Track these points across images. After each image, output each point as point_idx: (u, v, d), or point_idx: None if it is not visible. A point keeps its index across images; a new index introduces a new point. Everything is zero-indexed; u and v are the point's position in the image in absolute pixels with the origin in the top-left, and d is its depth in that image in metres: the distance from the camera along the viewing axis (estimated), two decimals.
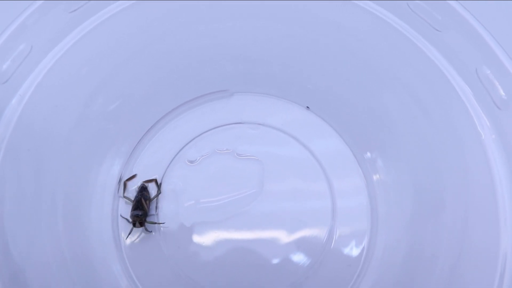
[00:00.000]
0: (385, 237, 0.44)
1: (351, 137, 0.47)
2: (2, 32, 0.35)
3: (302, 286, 0.44)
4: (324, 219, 0.46)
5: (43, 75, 0.39)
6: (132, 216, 0.45)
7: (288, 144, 0.48)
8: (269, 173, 0.47)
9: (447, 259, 0.38)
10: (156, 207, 0.47)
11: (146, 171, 0.48)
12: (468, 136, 0.35)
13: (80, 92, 0.42)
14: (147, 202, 0.46)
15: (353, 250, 0.45)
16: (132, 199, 0.46)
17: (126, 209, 0.47)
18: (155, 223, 0.46)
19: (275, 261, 0.45)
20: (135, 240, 0.46)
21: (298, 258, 0.45)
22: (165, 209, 0.47)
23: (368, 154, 0.46)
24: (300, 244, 0.45)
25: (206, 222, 0.46)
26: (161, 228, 0.46)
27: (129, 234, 0.45)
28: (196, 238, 0.46)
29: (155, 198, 0.47)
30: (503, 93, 0.33)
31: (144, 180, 0.47)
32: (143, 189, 0.46)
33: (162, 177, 0.48)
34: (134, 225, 0.45)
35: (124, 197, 0.47)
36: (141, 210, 0.45)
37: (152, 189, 0.47)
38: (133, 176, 0.47)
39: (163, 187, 0.47)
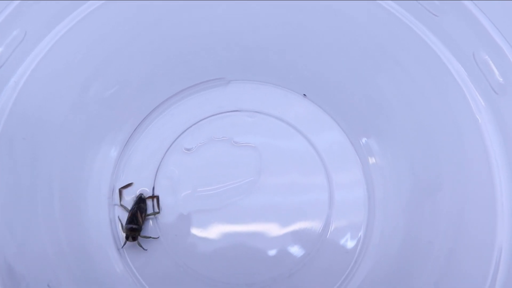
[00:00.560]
0: (382, 223, 0.44)
1: (348, 124, 0.47)
2: None
3: (299, 273, 0.45)
4: (320, 205, 0.46)
5: (38, 61, 0.38)
6: (126, 229, 0.44)
7: (285, 132, 0.48)
8: (266, 160, 0.47)
9: (443, 246, 0.38)
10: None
11: (142, 159, 0.47)
12: (465, 121, 0.35)
13: (76, 79, 0.41)
14: (143, 215, 0.45)
15: (350, 237, 0.45)
16: (129, 208, 0.45)
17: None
18: (149, 237, 0.45)
19: (272, 248, 0.45)
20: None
21: (295, 245, 0.45)
22: (162, 198, 0.46)
23: (365, 139, 0.46)
24: (297, 231, 0.45)
25: (203, 210, 0.46)
26: (158, 217, 0.46)
27: (123, 245, 0.44)
28: (193, 226, 0.46)
29: (153, 216, 0.46)
30: (501, 78, 0.33)
31: (143, 193, 0.46)
32: (140, 201, 0.45)
33: (159, 165, 0.47)
34: (127, 238, 0.44)
35: (121, 205, 0.46)
36: (136, 224, 0.44)
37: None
38: (129, 185, 0.46)
39: (159, 177, 0.47)
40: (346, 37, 0.42)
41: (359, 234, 0.45)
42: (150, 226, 0.46)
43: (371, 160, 0.46)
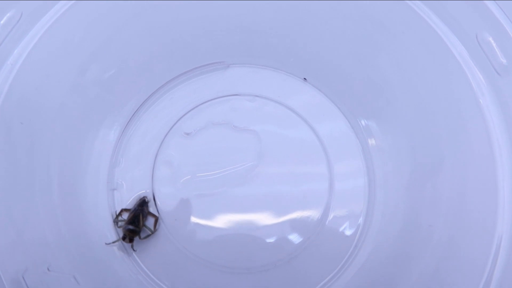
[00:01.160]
0: (382, 206, 0.44)
1: (348, 107, 0.47)
2: None
3: (299, 257, 0.45)
4: (320, 189, 0.46)
5: (34, 43, 0.38)
6: (125, 229, 0.43)
7: (285, 116, 0.47)
8: (265, 144, 0.46)
9: (444, 229, 0.38)
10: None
11: (141, 143, 0.47)
12: (467, 102, 0.34)
13: (73, 61, 0.41)
14: (144, 220, 0.44)
15: (350, 221, 0.45)
16: (130, 208, 0.45)
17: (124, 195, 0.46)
18: (147, 236, 0.44)
19: (272, 233, 0.45)
20: None
21: (295, 230, 0.45)
22: (161, 182, 0.46)
23: (365, 122, 0.46)
24: (297, 216, 0.45)
25: (202, 195, 0.46)
26: (158, 203, 0.46)
27: (112, 242, 0.44)
28: (193, 211, 0.46)
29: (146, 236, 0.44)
30: (504, 59, 0.33)
31: (147, 197, 0.45)
32: (143, 203, 0.45)
33: (158, 149, 0.47)
34: (123, 238, 0.43)
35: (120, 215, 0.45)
36: (136, 226, 0.43)
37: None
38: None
39: (158, 162, 0.47)
40: (347, 20, 0.42)
41: (359, 219, 0.45)
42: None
43: (371, 142, 0.46)
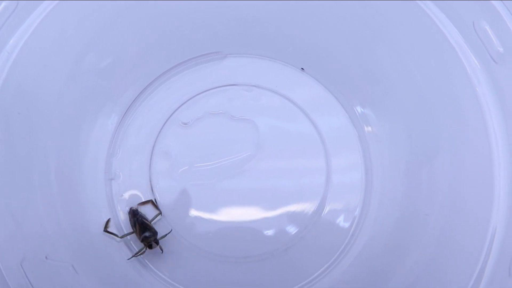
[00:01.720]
0: (379, 194, 0.44)
1: (345, 96, 0.47)
2: None
3: (296, 247, 0.45)
4: (318, 177, 0.46)
5: (31, 32, 0.38)
6: (144, 239, 0.42)
7: (282, 106, 0.47)
8: (263, 134, 0.47)
9: (440, 219, 0.38)
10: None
11: (139, 133, 0.47)
12: (463, 90, 0.34)
13: (70, 49, 0.41)
14: (148, 221, 0.44)
15: (347, 210, 0.45)
16: (132, 229, 0.44)
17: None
18: (166, 235, 0.44)
19: (269, 222, 0.45)
20: (129, 204, 0.46)
21: (292, 219, 0.45)
22: (159, 172, 0.46)
23: (362, 110, 0.46)
24: (294, 205, 0.45)
25: (199, 185, 0.46)
26: (156, 193, 0.46)
27: (135, 255, 0.43)
28: (190, 200, 0.46)
29: (156, 218, 0.45)
30: (500, 48, 0.33)
31: (132, 206, 0.45)
32: (135, 213, 0.44)
33: (156, 138, 0.47)
34: (150, 247, 0.42)
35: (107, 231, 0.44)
36: (149, 231, 0.43)
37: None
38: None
39: (156, 151, 0.47)
40: (344, 9, 0.41)
41: (356, 209, 0.45)
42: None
43: (368, 130, 0.46)
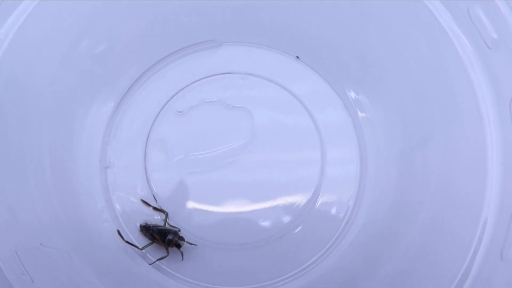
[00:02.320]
0: (373, 183, 0.44)
1: (341, 84, 0.47)
2: None
3: (291, 234, 0.45)
4: (313, 166, 0.46)
5: (24, 18, 0.37)
6: (170, 243, 0.42)
7: (278, 94, 0.47)
8: (258, 123, 0.47)
9: (432, 206, 0.39)
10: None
11: (133, 121, 0.47)
12: (457, 76, 0.34)
13: (64, 35, 0.40)
14: (163, 226, 0.44)
15: (342, 197, 0.45)
16: (150, 240, 0.44)
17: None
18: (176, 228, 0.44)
19: (265, 210, 0.45)
20: (124, 193, 0.46)
21: (287, 207, 0.45)
22: (154, 160, 0.46)
23: (357, 97, 0.46)
24: (289, 193, 0.45)
25: (195, 172, 0.46)
26: (151, 181, 0.46)
27: (160, 259, 0.43)
28: (186, 188, 0.46)
29: (166, 219, 0.44)
30: (494, 34, 0.33)
31: (141, 223, 0.45)
32: (147, 227, 0.44)
33: (151, 126, 0.47)
34: (179, 246, 0.42)
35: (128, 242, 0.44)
36: (170, 233, 0.43)
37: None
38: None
39: (151, 140, 0.47)
40: None
41: (350, 197, 0.45)
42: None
43: (362, 116, 0.46)
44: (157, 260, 0.43)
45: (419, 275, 0.36)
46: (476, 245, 0.34)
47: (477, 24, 0.33)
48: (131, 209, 0.45)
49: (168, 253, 0.43)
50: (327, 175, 0.46)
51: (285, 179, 0.46)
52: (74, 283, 0.39)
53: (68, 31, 0.41)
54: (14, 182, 0.40)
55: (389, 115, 0.43)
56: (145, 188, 0.46)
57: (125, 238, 0.44)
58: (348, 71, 0.46)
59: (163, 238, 0.43)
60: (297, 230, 0.45)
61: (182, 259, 0.43)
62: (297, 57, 0.48)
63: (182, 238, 0.43)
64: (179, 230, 0.44)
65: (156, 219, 0.45)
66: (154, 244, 0.44)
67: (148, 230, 0.44)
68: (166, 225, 0.44)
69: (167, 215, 0.45)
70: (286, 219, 0.45)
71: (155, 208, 0.45)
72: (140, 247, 0.43)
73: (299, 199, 0.45)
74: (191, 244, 0.43)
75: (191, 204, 0.46)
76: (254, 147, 0.46)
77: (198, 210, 0.45)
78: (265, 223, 0.45)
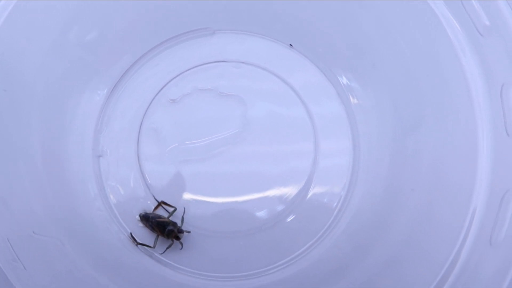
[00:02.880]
0: (366, 172, 0.44)
1: (334, 72, 0.47)
2: None
3: (283, 222, 0.45)
4: (306, 154, 0.46)
5: (13, 5, 0.37)
6: (170, 234, 0.43)
7: (271, 82, 0.47)
8: (251, 110, 0.46)
9: (423, 193, 0.39)
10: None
11: (126, 110, 0.47)
12: (449, 62, 0.34)
13: (54, 22, 0.40)
14: (164, 218, 0.44)
15: (334, 185, 0.45)
16: (151, 230, 0.44)
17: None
18: (183, 219, 0.44)
19: (258, 198, 0.45)
20: (117, 181, 0.46)
21: (280, 195, 0.45)
22: (147, 148, 0.46)
23: (348, 82, 0.46)
24: (283, 181, 0.45)
25: (188, 161, 0.46)
26: (144, 170, 0.46)
27: (167, 248, 0.43)
28: (179, 177, 0.46)
29: (172, 213, 0.44)
30: (487, 21, 0.33)
31: (141, 212, 0.45)
32: (147, 217, 0.44)
33: (144, 115, 0.47)
34: (178, 238, 0.43)
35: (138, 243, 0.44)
36: (169, 225, 0.43)
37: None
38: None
39: (144, 129, 0.46)
40: None
41: (343, 185, 0.45)
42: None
43: (354, 102, 0.46)
44: (166, 249, 0.43)
45: (409, 261, 0.37)
46: (465, 231, 0.34)
47: (469, 11, 0.33)
48: (125, 197, 0.46)
49: (172, 242, 0.43)
50: (319, 164, 0.46)
51: (277, 167, 0.46)
52: (67, 271, 0.39)
53: (58, 18, 0.40)
54: (5, 171, 0.40)
55: (381, 101, 0.43)
56: (138, 176, 0.46)
57: (134, 238, 0.44)
58: (341, 58, 0.46)
59: (162, 229, 0.43)
60: (290, 219, 0.45)
61: (181, 248, 0.43)
62: (291, 45, 0.48)
63: (181, 231, 0.43)
64: (183, 215, 0.44)
65: (152, 208, 0.45)
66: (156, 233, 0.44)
67: (148, 221, 0.44)
68: (166, 219, 0.44)
69: (174, 210, 0.44)
70: (279, 207, 0.45)
71: (164, 203, 0.45)
72: (152, 246, 0.44)
73: (291, 188, 0.46)
74: (186, 232, 0.43)
75: (184, 193, 0.46)
76: (248, 136, 0.46)
77: (191, 198, 0.45)
78: (258, 212, 0.45)
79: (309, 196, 0.46)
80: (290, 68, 0.47)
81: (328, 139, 0.46)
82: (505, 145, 0.33)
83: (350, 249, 0.42)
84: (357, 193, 0.44)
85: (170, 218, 0.44)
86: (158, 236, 0.44)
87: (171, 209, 0.45)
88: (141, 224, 0.45)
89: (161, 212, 0.45)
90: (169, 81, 0.47)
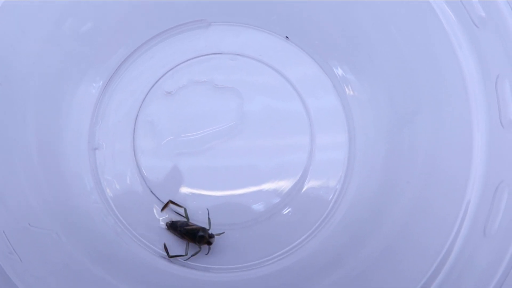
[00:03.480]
0: (361, 165, 0.44)
1: (329, 63, 0.47)
2: None
3: (279, 214, 0.45)
4: (302, 147, 0.46)
5: None
6: (202, 240, 0.42)
7: (267, 74, 0.47)
8: (247, 103, 0.46)
9: (419, 183, 0.39)
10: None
11: (121, 102, 0.47)
12: (444, 54, 0.34)
13: (49, 13, 0.40)
14: (191, 224, 0.44)
15: (330, 176, 0.46)
16: (180, 236, 0.44)
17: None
18: (210, 221, 0.44)
19: (253, 190, 0.45)
20: (113, 174, 0.46)
21: (276, 188, 0.45)
22: (143, 141, 0.46)
23: (344, 74, 0.46)
24: (278, 173, 0.45)
25: (183, 153, 0.46)
26: (140, 163, 0.46)
27: (194, 254, 0.43)
28: (175, 170, 0.46)
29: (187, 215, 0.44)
30: (482, 12, 0.33)
31: (168, 222, 0.44)
32: (174, 226, 0.44)
33: (139, 107, 0.47)
34: (210, 243, 0.42)
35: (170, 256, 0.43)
36: (198, 231, 0.43)
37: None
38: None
39: (139, 121, 0.46)
40: None
41: (339, 177, 0.45)
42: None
43: (349, 93, 0.46)
44: (191, 255, 0.43)
45: (404, 252, 0.37)
46: (460, 222, 0.34)
47: (464, 3, 0.33)
48: (121, 190, 0.45)
49: (200, 248, 0.43)
50: (315, 157, 0.46)
51: (273, 159, 0.46)
52: (63, 263, 0.39)
53: (52, 10, 0.40)
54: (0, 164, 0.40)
55: (377, 93, 0.43)
56: (134, 169, 0.46)
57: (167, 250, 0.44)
58: (337, 50, 0.45)
59: (193, 236, 0.43)
60: (286, 211, 0.45)
61: (208, 254, 0.43)
62: (287, 37, 0.48)
63: (212, 235, 0.43)
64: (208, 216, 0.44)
65: (181, 216, 0.44)
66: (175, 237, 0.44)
67: (176, 229, 0.44)
68: (193, 224, 0.44)
69: (185, 210, 0.44)
70: (275, 200, 0.45)
71: (172, 202, 0.45)
72: (185, 256, 0.43)
73: (287, 181, 0.46)
74: (218, 235, 0.43)
75: (180, 186, 0.46)
76: (244, 128, 0.46)
77: (188, 191, 0.45)
78: (254, 204, 0.45)
79: (304, 188, 0.46)
80: (286, 60, 0.47)
81: (324, 132, 0.46)
82: (500, 137, 0.33)
83: (346, 240, 0.42)
84: (353, 185, 0.44)
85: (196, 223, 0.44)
86: (188, 243, 0.43)
87: (180, 209, 0.44)
88: (168, 232, 0.44)
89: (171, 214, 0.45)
90: (165, 74, 0.47)
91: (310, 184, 0.46)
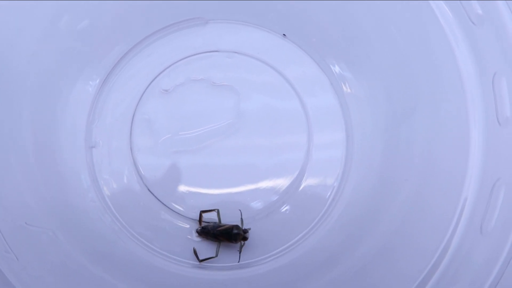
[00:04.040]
0: (359, 162, 0.44)
1: (326, 61, 0.47)
2: None
3: (277, 212, 0.45)
4: (299, 144, 0.46)
5: None
6: (237, 238, 0.42)
7: (264, 72, 0.47)
8: (244, 101, 0.46)
9: (416, 181, 0.39)
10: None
11: (118, 101, 0.46)
12: (442, 51, 0.34)
13: (44, 10, 0.39)
14: (222, 225, 0.44)
15: (327, 177, 0.46)
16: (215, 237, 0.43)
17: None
18: (242, 220, 0.44)
19: (251, 188, 0.45)
20: (110, 172, 0.46)
21: (273, 185, 0.46)
22: (140, 139, 0.46)
23: (342, 72, 0.46)
24: (275, 171, 0.46)
25: (181, 151, 0.46)
26: (137, 161, 0.46)
27: (240, 253, 0.43)
28: (172, 168, 0.46)
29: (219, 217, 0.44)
30: (479, 10, 0.33)
31: (199, 229, 0.44)
32: (206, 230, 0.43)
33: (136, 105, 0.46)
34: (245, 239, 0.43)
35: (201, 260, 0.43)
36: (232, 229, 0.43)
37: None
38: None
39: (136, 120, 0.46)
40: None
41: (337, 174, 0.45)
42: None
43: (346, 91, 0.46)
44: (239, 253, 0.43)
45: (401, 250, 0.37)
46: (456, 219, 0.34)
47: (462, 1, 0.33)
48: (118, 188, 0.45)
49: (243, 243, 0.43)
50: (313, 155, 0.46)
51: (270, 157, 0.46)
52: (60, 261, 0.39)
53: (48, 6, 0.40)
54: None
55: (374, 90, 0.43)
56: (130, 167, 0.46)
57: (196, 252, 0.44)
58: (334, 48, 0.45)
59: (228, 235, 0.43)
60: (284, 209, 0.46)
61: (240, 251, 0.43)
62: (284, 35, 0.48)
63: (246, 231, 0.43)
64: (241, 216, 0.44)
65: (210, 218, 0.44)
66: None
67: (208, 233, 0.44)
68: (225, 225, 0.44)
69: (218, 212, 0.44)
70: (273, 198, 0.45)
71: (204, 211, 0.44)
72: (215, 255, 0.43)
73: (285, 179, 0.46)
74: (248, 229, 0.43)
75: (176, 183, 0.46)
76: (241, 126, 0.46)
77: (185, 189, 0.45)
78: (252, 202, 0.45)
79: (302, 186, 0.46)
80: (283, 58, 0.47)
81: (322, 130, 0.46)
82: (497, 134, 0.33)
83: (344, 238, 0.42)
84: (350, 183, 0.44)
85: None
86: (220, 244, 0.43)
87: (213, 213, 0.44)
88: (200, 239, 0.44)
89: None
90: (162, 71, 0.47)
91: (307, 182, 0.46)
